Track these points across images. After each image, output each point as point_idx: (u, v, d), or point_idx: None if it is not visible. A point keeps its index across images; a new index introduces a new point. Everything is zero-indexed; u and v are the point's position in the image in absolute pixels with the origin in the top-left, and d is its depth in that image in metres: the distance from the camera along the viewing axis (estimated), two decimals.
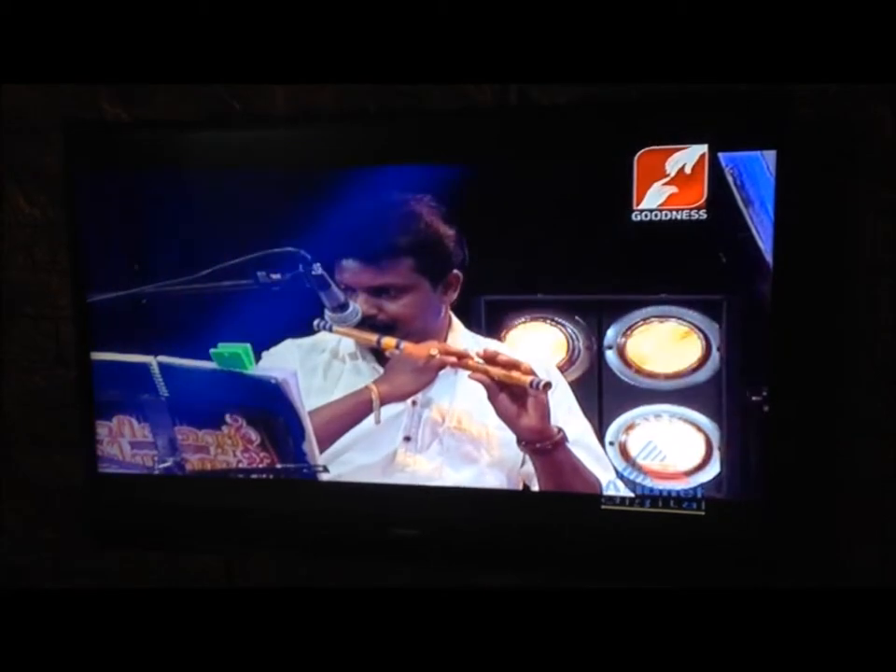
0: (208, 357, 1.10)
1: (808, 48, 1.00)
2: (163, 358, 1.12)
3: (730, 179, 0.99)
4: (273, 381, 1.08)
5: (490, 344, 1.08)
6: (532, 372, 1.04)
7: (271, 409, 1.10)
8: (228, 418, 1.12)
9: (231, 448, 1.14)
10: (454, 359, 1.07)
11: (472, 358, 1.06)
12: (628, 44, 1.03)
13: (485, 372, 1.05)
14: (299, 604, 1.13)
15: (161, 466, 1.17)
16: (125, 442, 1.19)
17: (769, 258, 0.99)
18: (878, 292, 1.08)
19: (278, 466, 1.13)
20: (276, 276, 1.08)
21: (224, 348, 1.10)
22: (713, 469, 1.05)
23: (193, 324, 1.13)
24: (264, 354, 1.11)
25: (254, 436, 1.12)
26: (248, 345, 1.10)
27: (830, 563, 1.11)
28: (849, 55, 0.99)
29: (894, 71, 0.99)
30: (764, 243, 0.99)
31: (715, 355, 1.04)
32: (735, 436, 1.04)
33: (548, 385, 1.04)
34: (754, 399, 1.02)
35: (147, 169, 1.15)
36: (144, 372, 1.13)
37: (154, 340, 1.14)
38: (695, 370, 1.05)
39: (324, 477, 1.13)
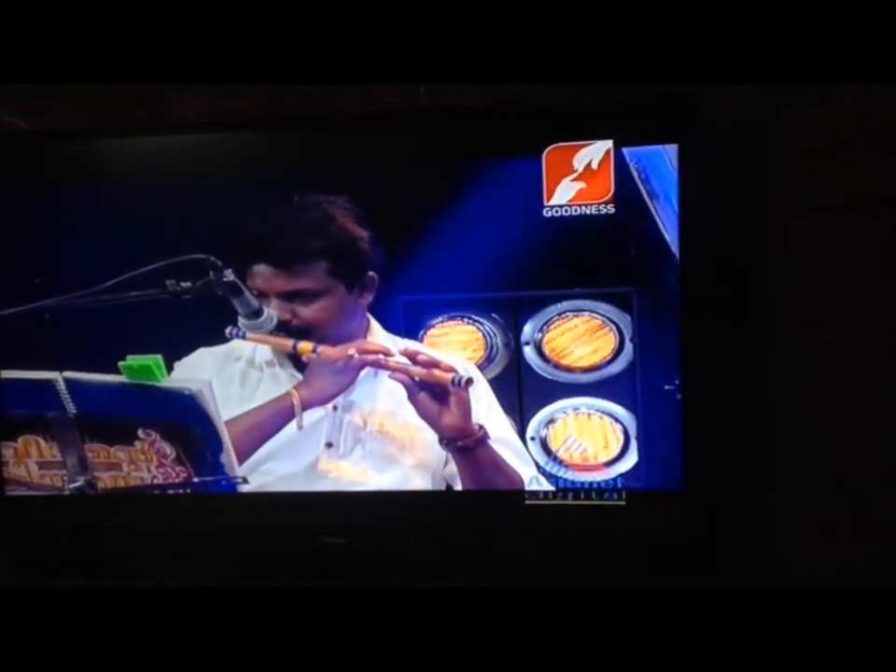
0: (117, 371, 1.06)
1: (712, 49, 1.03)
2: (70, 374, 1.07)
3: (635, 174, 1.02)
4: (186, 392, 1.05)
5: (409, 344, 1.08)
6: (453, 370, 1.04)
7: (185, 421, 1.07)
8: (140, 433, 1.08)
9: (144, 464, 1.10)
10: (373, 358, 1.06)
11: (392, 356, 1.05)
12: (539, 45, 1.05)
13: (406, 371, 1.05)
14: (228, 618, 1.09)
15: (72, 486, 1.12)
16: (32, 463, 1.13)
17: (675, 249, 1.02)
18: (786, 283, 1.11)
19: (195, 480, 1.09)
20: (186, 284, 1.05)
21: (134, 360, 1.06)
22: (631, 460, 1.07)
23: (100, 337, 1.09)
24: (176, 364, 1.08)
25: (169, 450, 1.09)
26: (159, 357, 1.06)
27: (755, 550, 1.13)
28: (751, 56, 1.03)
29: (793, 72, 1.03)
30: (670, 235, 1.02)
31: (628, 346, 1.06)
32: (650, 425, 1.06)
33: (469, 382, 1.04)
34: (667, 388, 1.04)
35: (48, 179, 1.11)
36: (49, 389, 1.07)
37: (59, 355, 1.09)
38: (610, 361, 1.06)
39: (244, 489, 1.10)
